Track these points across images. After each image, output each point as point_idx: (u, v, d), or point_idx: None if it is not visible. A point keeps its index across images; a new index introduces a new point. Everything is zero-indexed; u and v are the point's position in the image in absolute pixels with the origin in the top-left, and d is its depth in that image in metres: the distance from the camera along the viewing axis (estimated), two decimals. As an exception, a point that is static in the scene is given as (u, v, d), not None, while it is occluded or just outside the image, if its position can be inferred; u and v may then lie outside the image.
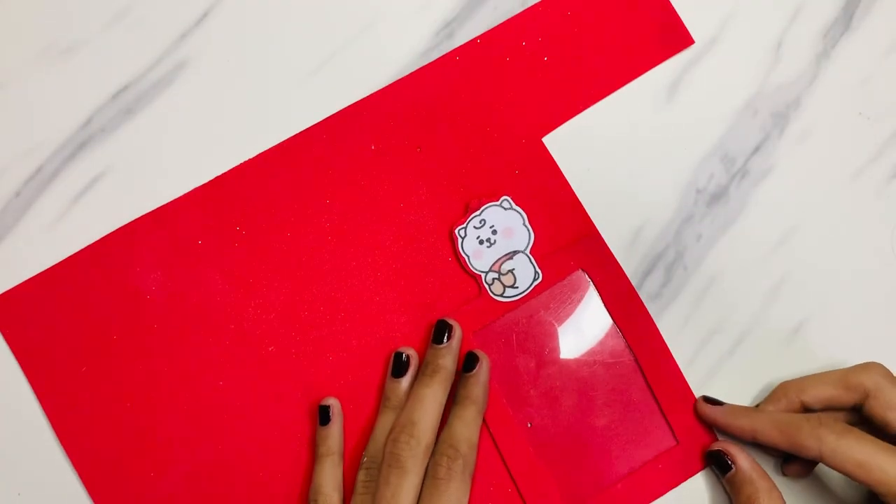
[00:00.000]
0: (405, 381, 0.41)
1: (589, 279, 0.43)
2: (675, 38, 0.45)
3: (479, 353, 0.41)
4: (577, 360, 0.43)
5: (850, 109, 0.45)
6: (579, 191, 0.44)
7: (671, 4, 0.45)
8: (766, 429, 0.39)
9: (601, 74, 0.44)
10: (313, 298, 0.43)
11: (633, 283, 0.44)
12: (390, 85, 0.44)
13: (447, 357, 0.41)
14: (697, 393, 0.43)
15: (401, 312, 0.43)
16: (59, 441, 0.41)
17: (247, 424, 0.42)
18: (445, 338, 0.41)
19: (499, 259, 0.43)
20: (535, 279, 0.43)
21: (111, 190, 0.43)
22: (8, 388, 0.42)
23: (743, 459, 0.40)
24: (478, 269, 0.43)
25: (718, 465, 0.41)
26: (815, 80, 0.45)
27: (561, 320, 0.43)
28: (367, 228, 0.43)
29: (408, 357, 0.41)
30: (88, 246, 0.42)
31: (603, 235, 0.44)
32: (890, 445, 0.36)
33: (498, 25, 0.44)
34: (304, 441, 0.42)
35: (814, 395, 0.40)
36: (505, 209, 0.43)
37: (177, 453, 0.41)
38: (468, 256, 0.43)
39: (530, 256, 0.43)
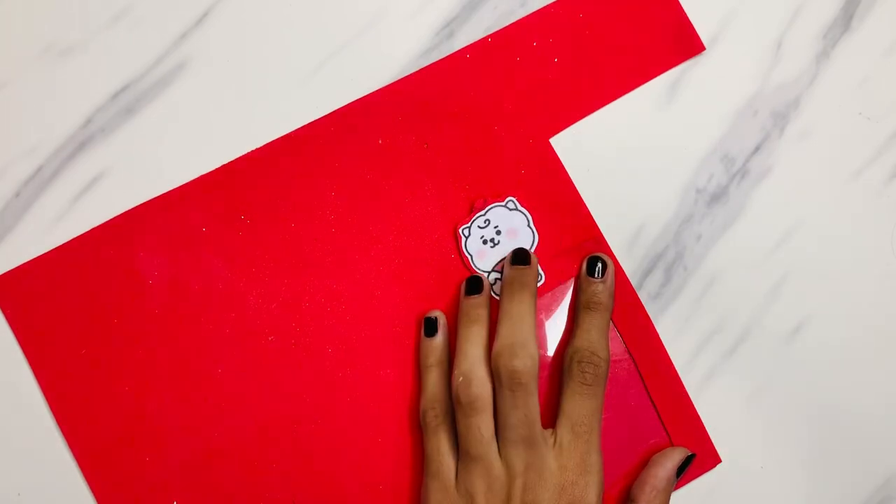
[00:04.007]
0: (483, 299, 0.42)
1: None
2: (686, 44, 0.45)
3: (605, 257, 0.42)
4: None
5: (850, 109, 0.45)
6: (581, 191, 0.44)
7: (683, 10, 0.45)
8: None
9: (611, 77, 0.44)
10: (315, 290, 0.43)
11: (633, 283, 0.44)
12: (399, 80, 0.44)
13: (532, 274, 0.41)
14: (696, 397, 0.43)
15: (401, 308, 0.43)
16: (56, 423, 0.41)
17: (243, 413, 0.42)
18: (527, 261, 0.41)
19: (502, 260, 0.43)
20: (537, 281, 0.43)
21: (111, 190, 0.43)
22: (9, 374, 0.42)
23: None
24: (481, 268, 0.43)
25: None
26: (815, 80, 0.45)
27: (562, 322, 0.43)
28: (370, 223, 0.43)
29: (481, 279, 0.42)
30: (93, 229, 0.42)
31: (604, 235, 0.44)
32: None
33: (509, 25, 0.44)
34: (298, 431, 0.42)
35: None
36: (510, 210, 0.43)
37: (173, 439, 0.42)
38: (471, 256, 0.43)
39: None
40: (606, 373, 0.40)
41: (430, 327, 0.42)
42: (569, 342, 0.41)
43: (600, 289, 0.41)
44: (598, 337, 0.41)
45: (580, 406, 0.39)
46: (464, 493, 0.39)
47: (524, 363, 0.38)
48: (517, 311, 0.40)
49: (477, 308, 0.41)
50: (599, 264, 0.42)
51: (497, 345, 0.39)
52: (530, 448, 0.38)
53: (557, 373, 0.42)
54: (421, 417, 0.41)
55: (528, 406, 0.38)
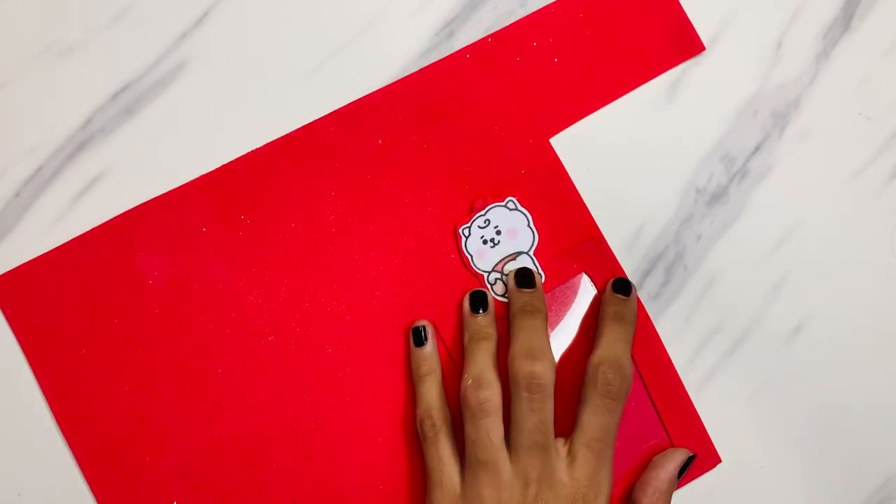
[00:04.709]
0: (491, 318, 0.42)
1: (591, 282, 0.43)
2: (686, 44, 0.45)
3: (631, 282, 0.42)
4: (576, 363, 0.42)
5: (850, 109, 0.45)
6: (581, 192, 0.44)
7: (683, 10, 0.45)
8: None
9: (611, 77, 0.44)
10: (315, 290, 0.43)
11: (634, 283, 0.44)
12: (400, 80, 0.44)
13: (541, 297, 0.41)
14: (696, 397, 0.43)
15: (401, 308, 0.43)
16: (56, 423, 0.41)
17: (243, 413, 0.42)
18: (533, 283, 0.42)
19: (502, 259, 0.43)
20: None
21: (111, 190, 0.43)
22: (9, 375, 0.42)
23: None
24: (481, 268, 0.43)
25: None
26: (815, 80, 0.45)
27: (562, 323, 0.43)
28: (370, 223, 0.43)
29: (486, 295, 0.42)
30: (93, 229, 0.42)
31: (604, 235, 0.44)
32: None
33: (509, 25, 0.44)
34: (298, 431, 0.42)
35: None
36: (510, 210, 0.43)
37: (173, 439, 0.42)
38: (471, 256, 0.43)
39: (534, 258, 0.43)
40: (629, 389, 0.39)
41: (419, 337, 0.42)
42: (594, 352, 0.40)
43: (627, 305, 0.41)
44: (625, 350, 0.40)
45: (599, 421, 0.39)
46: (471, 502, 0.38)
47: (544, 366, 0.38)
48: (531, 325, 0.40)
49: (487, 328, 0.41)
50: (626, 284, 0.42)
51: (514, 350, 0.39)
52: (543, 455, 0.38)
53: (557, 378, 0.42)
54: (418, 428, 0.41)
55: (545, 411, 0.38)
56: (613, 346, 0.40)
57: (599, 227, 0.44)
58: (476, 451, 0.38)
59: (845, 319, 0.44)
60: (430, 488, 0.40)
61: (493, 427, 0.38)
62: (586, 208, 0.44)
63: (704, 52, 0.45)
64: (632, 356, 0.41)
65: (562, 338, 0.43)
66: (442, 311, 0.43)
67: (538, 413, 0.38)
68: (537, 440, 0.38)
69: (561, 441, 0.39)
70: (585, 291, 0.43)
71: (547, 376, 0.38)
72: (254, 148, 0.43)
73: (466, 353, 0.41)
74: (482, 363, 0.40)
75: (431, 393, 0.41)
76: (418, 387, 0.41)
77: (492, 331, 0.41)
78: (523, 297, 0.41)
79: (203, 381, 0.42)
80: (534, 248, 0.43)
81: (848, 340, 0.44)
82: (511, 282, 0.42)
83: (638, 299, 0.43)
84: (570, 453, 0.38)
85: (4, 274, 0.42)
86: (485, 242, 0.43)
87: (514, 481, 0.38)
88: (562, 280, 0.43)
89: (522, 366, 0.38)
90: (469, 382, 0.39)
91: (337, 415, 0.42)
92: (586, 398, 0.39)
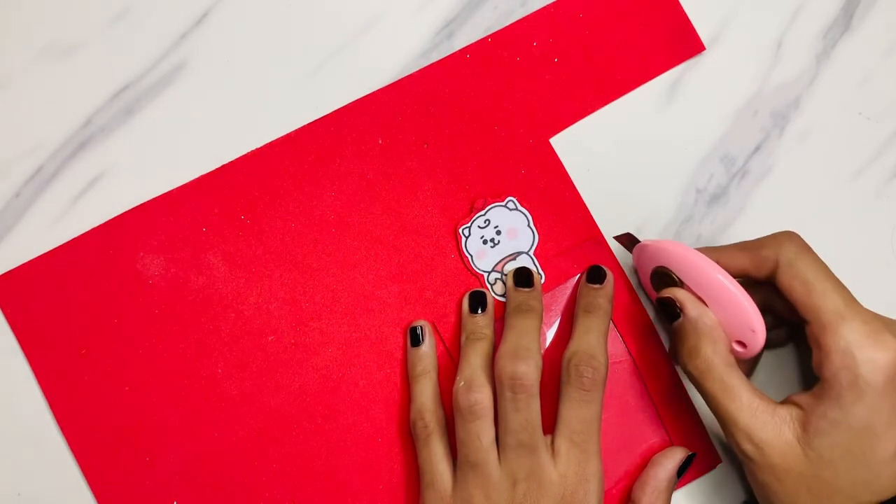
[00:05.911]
0: (489, 319, 0.42)
1: (591, 281, 0.43)
2: (685, 44, 0.45)
3: (604, 267, 0.42)
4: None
5: (850, 109, 0.45)
6: (581, 192, 0.44)
7: (683, 10, 0.45)
8: (729, 251, 0.39)
9: (610, 77, 0.44)
10: (315, 290, 0.43)
11: (633, 283, 0.44)
12: (400, 80, 0.44)
13: (537, 297, 0.41)
14: (696, 397, 0.43)
15: (401, 308, 0.43)
16: (56, 422, 0.41)
17: (243, 413, 0.42)
18: (531, 283, 0.42)
19: (502, 259, 0.43)
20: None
21: (111, 190, 0.43)
22: (9, 375, 0.42)
23: (691, 308, 0.39)
24: (481, 268, 0.43)
25: (667, 313, 0.40)
26: (815, 80, 0.45)
27: (562, 323, 0.43)
28: (370, 223, 0.43)
29: (485, 295, 0.42)
30: (93, 229, 0.42)
31: (604, 235, 0.44)
32: (837, 278, 0.36)
33: (509, 25, 0.44)
34: (297, 431, 0.42)
35: (727, 265, 0.39)
36: (510, 210, 0.43)
37: (173, 439, 0.41)
38: (471, 256, 0.43)
39: (534, 258, 0.43)
40: (605, 377, 0.39)
41: (415, 337, 0.42)
42: (567, 346, 0.40)
43: (600, 294, 0.41)
44: (597, 340, 0.40)
45: (578, 414, 0.39)
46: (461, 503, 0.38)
47: (528, 365, 0.38)
48: (522, 325, 0.40)
49: (483, 328, 0.41)
50: (598, 272, 0.42)
51: (501, 350, 0.39)
52: (531, 454, 0.38)
53: (554, 379, 0.42)
54: (411, 428, 0.41)
55: (530, 410, 0.38)
56: (584, 337, 0.40)
57: (599, 227, 0.44)
58: (466, 452, 0.38)
59: (845, 319, 0.44)
60: (423, 489, 0.40)
61: (482, 429, 0.38)
62: (586, 208, 0.44)
63: (704, 52, 0.45)
64: (628, 348, 0.42)
65: (559, 337, 0.43)
66: (442, 311, 0.43)
67: (523, 413, 0.38)
68: (523, 439, 0.38)
69: (547, 438, 0.39)
70: (585, 291, 0.43)
71: (530, 376, 0.38)
72: (254, 148, 0.43)
73: (461, 354, 0.41)
74: (474, 365, 0.40)
75: (425, 393, 0.41)
76: (413, 387, 0.41)
77: (488, 331, 0.41)
78: (519, 296, 0.41)
79: (203, 381, 0.42)
80: (534, 248, 0.43)
81: (848, 340, 0.44)
82: (509, 281, 0.42)
83: (622, 271, 0.43)
84: (555, 450, 0.38)
85: (4, 274, 0.42)
86: (485, 242, 0.43)
87: (503, 481, 0.38)
88: (562, 280, 0.43)
89: (506, 366, 0.38)
90: (461, 384, 0.39)
91: (336, 415, 0.42)
92: (563, 393, 0.39)
